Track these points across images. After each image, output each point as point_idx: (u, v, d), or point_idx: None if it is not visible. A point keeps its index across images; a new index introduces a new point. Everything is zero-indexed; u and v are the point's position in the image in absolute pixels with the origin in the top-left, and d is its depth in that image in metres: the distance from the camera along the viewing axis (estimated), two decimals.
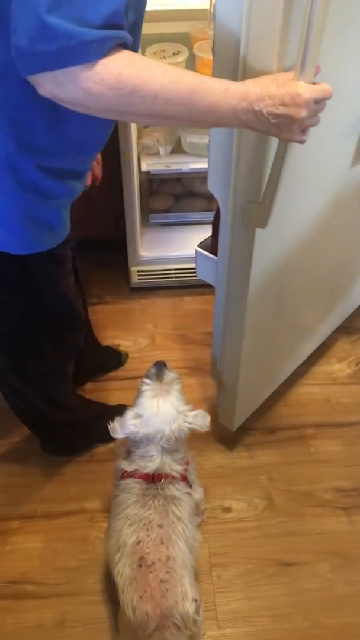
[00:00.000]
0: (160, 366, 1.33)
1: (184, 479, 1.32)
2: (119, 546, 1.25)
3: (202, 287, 2.09)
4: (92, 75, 0.79)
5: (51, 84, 0.81)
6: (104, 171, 1.50)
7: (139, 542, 1.23)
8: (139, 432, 1.25)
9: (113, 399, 1.82)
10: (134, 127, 1.75)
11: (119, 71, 0.80)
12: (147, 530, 1.24)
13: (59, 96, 0.83)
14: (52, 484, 1.66)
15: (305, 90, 0.86)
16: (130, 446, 1.31)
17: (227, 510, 1.62)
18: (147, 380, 1.31)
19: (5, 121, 0.94)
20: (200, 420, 1.28)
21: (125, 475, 1.30)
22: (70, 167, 1.07)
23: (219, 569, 1.52)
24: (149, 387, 1.29)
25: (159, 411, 1.25)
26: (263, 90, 0.86)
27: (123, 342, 1.99)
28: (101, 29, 0.77)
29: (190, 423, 1.26)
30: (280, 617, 1.45)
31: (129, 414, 1.27)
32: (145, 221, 2.14)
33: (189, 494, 1.32)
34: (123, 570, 1.23)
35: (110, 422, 1.29)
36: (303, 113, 0.86)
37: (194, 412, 1.28)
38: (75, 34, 0.75)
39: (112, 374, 1.90)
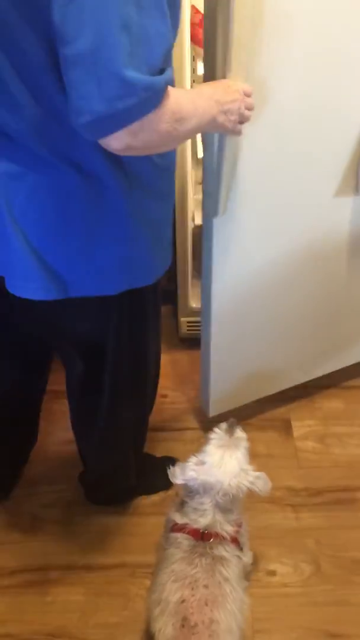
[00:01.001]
0: (233, 422, 1.32)
1: (235, 541, 1.28)
2: (160, 600, 1.23)
3: None
4: (163, 115, 0.82)
5: (128, 137, 0.81)
6: None
7: (183, 601, 1.20)
8: (198, 478, 1.23)
9: (158, 450, 1.81)
10: (190, 182, 1.80)
11: (179, 104, 0.85)
12: (192, 589, 1.21)
13: (133, 145, 0.83)
14: (93, 535, 1.64)
15: (244, 84, 1.03)
16: (185, 496, 1.29)
17: (272, 573, 1.57)
18: (217, 430, 1.30)
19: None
20: (262, 483, 1.25)
21: (175, 528, 1.28)
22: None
23: (262, 635, 1.46)
24: (217, 437, 1.28)
25: (222, 462, 1.23)
26: (225, 92, 0.98)
27: (170, 393, 1.99)
28: (162, 69, 0.78)
29: (251, 483, 1.24)
30: None
31: (192, 460, 1.26)
32: (196, 272, 2.16)
33: (239, 556, 1.29)
34: (164, 629, 1.19)
35: (170, 467, 1.27)
36: (244, 105, 1.01)
37: (256, 474, 1.26)
38: (152, 84, 0.76)
39: (159, 424, 1.88)
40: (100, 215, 0.98)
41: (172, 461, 1.55)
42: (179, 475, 1.25)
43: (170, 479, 1.25)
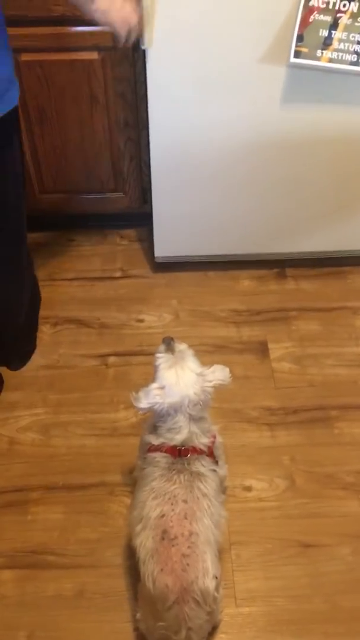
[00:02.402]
0: (169, 341, 1.33)
1: (211, 454, 1.30)
2: (142, 517, 1.25)
3: (227, 263, 2.07)
4: None
5: None
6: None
7: (163, 516, 1.22)
8: (164, 402, 1.24)
9: (136, 373, 1.81)
10: None
11: None
12: (172, 504, 1.23)
13: None
14: (73, 456, 1.66)
15: None
16: (157, 421, 1.30)
17: (248, 489, 1.61)
18: (159, 355, 1.30)
19: None
20: (220, 374, 1.27)
21: (151, 449, 1.29)
22: None
23: (238, 547, 1.51)
24: (163, 359, 1.29)
25: (178, 379, 1.25)
26: None
27: (147, 317, 1.97)
28: None
29: (211, 381, 1.26)
30: (299, 598, 1.44)
31: (153, 386, 1.26)
32: None
33: (215, 470, 1.31)
34: (145, 542, 1.23)
35: (132, 393, 1.28)
36: None
37: (211, 369, 1.28)
38: None
39: (137, 349, 1.88)
40: None
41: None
42: (143, 400, 1.25)
43: (135, 405, 1.26)
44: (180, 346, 1.33)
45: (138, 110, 1.77)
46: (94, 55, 1.64)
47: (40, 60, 1.64)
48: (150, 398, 1.25)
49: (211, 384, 1.26)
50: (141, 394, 1.26)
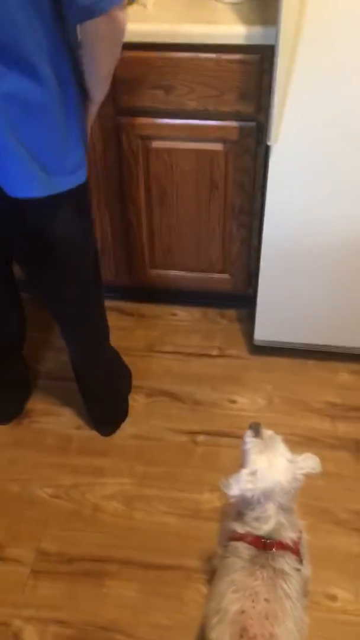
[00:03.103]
0: (257, 426, 1.32)
1: (296, 552, 1.24)
2: (219, 610, 1.19)
3: (326, 354, 2.04)
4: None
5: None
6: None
7: (242, 612, 1.16)
8: (255, 488, 1.21)
9: (224, 455, 1.78)
10: None
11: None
12: (253, 601, 1.17)
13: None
14: (154, 533, 1.63)
15: None
16: (244, 508, 1.26)
17: (332, 598, 1.51)
18: (248, 439, 1.29)
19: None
20: (311, 462, 1.24)
21: (235, 537, 1.25)
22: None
23: None
24: (253, 444, 1.27)
25: (270, 465, 1.22)
26: None
27: (240, 399, 1.96)
28: None
29: (302, 468, 1.23)
30: None
31: (244, 472, 1.23)
32: None
33: (299, 570, 1.25)
34: (222, 637, 1.16)
35: (223, 480, 1.26)
36: None
37: (303, 456, 1.25)
38: None
39: (227, 430, 1.86)
40: (70, 120, 1.21)
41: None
42: (234, 486, 1.22)
43: (225, 491, 1.23)
44: (268, 432, 1.31)
45: (254, 199, 1.83)
46: (218, 147, 1.73)
47: (168, 149, 1.75)
48: (241, 484, 1.22)
49: (303, 472, 1.23)
50: (232, 480, 1.23)
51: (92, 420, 1.89)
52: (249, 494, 1.22)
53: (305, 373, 2.02)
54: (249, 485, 1.21)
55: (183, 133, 1.72)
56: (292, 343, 2.05)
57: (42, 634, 1.46)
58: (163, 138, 1.74)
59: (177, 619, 1.47)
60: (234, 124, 1.68)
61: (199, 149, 1.74)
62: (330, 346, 2.02)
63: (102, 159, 1.80)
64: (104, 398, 1.86)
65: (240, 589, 1.20)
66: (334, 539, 1.61)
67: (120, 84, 1.62)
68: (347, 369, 2.02)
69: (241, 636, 1.14)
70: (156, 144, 1.75)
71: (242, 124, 1.68)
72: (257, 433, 1.30)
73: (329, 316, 1.92)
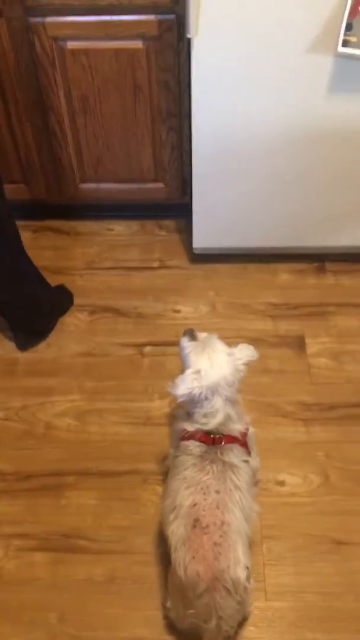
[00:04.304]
0: (191, 332, 1.36)
1: (244, 444, 1.30)
2: (174, 506, 1.26)
3: (265, 256, 2.05)
4: None
5: None
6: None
7: (195, 505, 1.22)
8: (202, 386, 1.25)
9: (171, 363, 1.81)
10: None
11: None
12: (204, 494, 1.23)
13: None
14: (107, 443, 1.67)
15: None
16: (192, 407, 1.30)
17: (281, 483, 1.60)
18: (185, 344, 1.33)
19: None
20: (247, 351, 1.30)
21: (185, 436, 1.30)
22: None
23: (270, 541, 1.50)
24: (191, 347, 1.31)
25: (212, 362, 1.27)
26: None
27: (183, 308, 1.97)
28: None
29: (241, 358, 1.29)
30: (330, 595, 1.43)
31: (188, 372, 1.27)
32: None
33: (247, 461, 1.31)
34: (177, 530, 1.23)
35: (169, 383, 1.28)
36: None
37: (238, 348, 1.30)
38: None
39: (172, 339, 1.88)
40: None
41: (64, 290, 1.94)
42: (181, 386, 1.25)
43: (172, 391, 1.26)
44: (203, 334, 1.36)
45: (181, 100, 1.76)
46: (138, 45, 1.64)
47: (85, 49, 1.65)
48: (188, 383, 1.25)
49: (242, 361, 1.29)
50: (178, 381, 1.27)
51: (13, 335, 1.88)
52: (196, 392, 1.26)
53: (246, 277, 2.04)
54: (195, 384, 1.25)
55: (99, 31, 1.61)
56: (231, 248, 2.05)
57: (6, 549, 1.50)
58: (78, 38, 1.63)
59: (136, 519, 1.54)
60: (151, 17, 1.58)
61: (118, 47, 1.64)
62: (268, 248, 2.03)
63: (15, 67, 1.69)
64: (18, 307, 1.79)
65: (192, 484, 1.26)
66: (280, 430, 1.68)
67: None
68: (286, 269, 2.05)
69: (194, 526, 1.21)
70: (72, 44, 1.64)
71: (161, 17, 1.58)
72: (192, 337, 1.34)
73: (264, 217, 1.92)
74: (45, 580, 1.46)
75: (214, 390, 1.26)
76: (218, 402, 1.27)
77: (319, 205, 1.87)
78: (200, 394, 1.25)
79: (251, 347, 1.31)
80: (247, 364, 1.30)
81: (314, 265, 2.05)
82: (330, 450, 1.64)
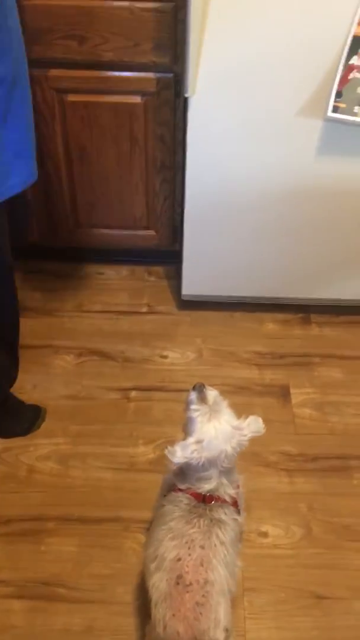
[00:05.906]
0: (201, 388, 1.30)
1: (234, 504, 1.29)
2: (156, 556, 1.24)
3: (253, 305, 2.09)
4: None
5: None
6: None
7: (179, 560, 1.21)
8: (201, 457, 1.22)
9: (157, 408, 1.82)
10: None
11: None
12: (189, 549, 1.21)
13: None
14: (90, 488, 1.66)
15: None
16: (186, 468, 1.27)
17: (264, 535, 1.59)
18: (193, 406, 1.28)
19: None
20: (255, 426, 1.25)
21: (176, 489, 1.29)
22: None
23: (251, 594, 1.49)
24: (199, 412, 1.26)
25: (217, 433, 1.22)
26: None
27: (170, 354, 1.99)
28: None
29: (246, 435, 1.24)
30: None
31: (191, 440, 1.23)
32: None
33: (236, 519, 1.30)
34: (159, 584, 1.21)
35: (168, 447, 1.24)
36: None
37: (246, 422, 1.26)
38: None
39: (159, 384, 1.89)
40: None
41: (37, 411, 1.79)
42: (179, 453, 1.21)
43: (169, 457, 1.22)
44: (212, 392, 1.30)
45: (175, 153, 1.82)
46: (137, 100, 1.70)
47: (85, 102, 1.70)
48: (187, 453, 1.21)
49: (247, 437, 1.24)
50: (177, 447, 1.22)
51: None
52: (194, 462, 1.22)
53: (233, 325, 2.07)
54: (195, 454, 1.21)
55: (99, 85, 1.67)
56: (219, 296, 2.08)
57: None
58: (79, 91, 1.69)
59: (118, 568, 1.52)
60: (151, 75, 1.65)
61: (117, 101, 1.70)
62: (255, 297, 2.07)
63: None
64: None
65: (177, 536, 1.24)
66: (264, 480, 1.69)
67: (31, 34, 1.55)
68: (272, 319, 2.08)
69: (177, 583, 1.19)
70: (72, 97, 1.69)
71: (160, 75, 1.65)
72: (201, 395, 1.28)
73: (252, 268, 1.96)
74: (21, 629, 1.43)
75: (212, 462, 1.23)
76: (214, 473, 1.24)
77: (306, 259, 1.92)
78: (198, 463, 1.23)
79: (260, 420, 1.26)
80: (252, 438, 1.25)
81: (299, 316, 2.10)
82: (313, 502, 1.65)
